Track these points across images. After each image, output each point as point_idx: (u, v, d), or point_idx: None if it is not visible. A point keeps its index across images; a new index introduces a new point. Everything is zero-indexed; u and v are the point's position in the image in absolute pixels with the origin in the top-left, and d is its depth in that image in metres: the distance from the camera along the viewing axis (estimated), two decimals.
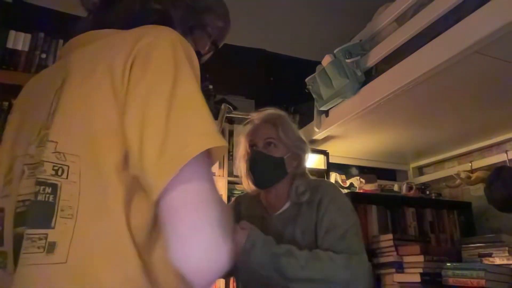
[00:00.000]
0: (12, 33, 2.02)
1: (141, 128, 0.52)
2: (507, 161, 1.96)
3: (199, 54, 0.87)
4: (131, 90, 0.55)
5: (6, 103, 1.92)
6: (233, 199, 1.44)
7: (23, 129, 0.64)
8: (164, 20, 0.69)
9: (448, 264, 1.72)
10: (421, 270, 1.73)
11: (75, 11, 1.09)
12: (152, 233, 0.54)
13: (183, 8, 0.79)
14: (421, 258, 1.75)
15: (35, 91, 0.70)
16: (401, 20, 1.67)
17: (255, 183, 1.26)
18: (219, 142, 0.54)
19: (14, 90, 2.11)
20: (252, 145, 1.27)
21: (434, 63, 1.40)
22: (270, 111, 1.33)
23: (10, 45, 1.99)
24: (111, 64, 0.56)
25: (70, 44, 0.72)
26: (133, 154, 0.52)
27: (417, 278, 1.72)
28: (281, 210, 1.25)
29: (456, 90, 1.61)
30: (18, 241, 0.53)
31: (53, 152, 0.54)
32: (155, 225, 0.54)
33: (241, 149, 1.30)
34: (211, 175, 0.56)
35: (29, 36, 2.04)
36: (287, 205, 1.25)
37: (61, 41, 2.09)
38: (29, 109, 0.66)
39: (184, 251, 0.50)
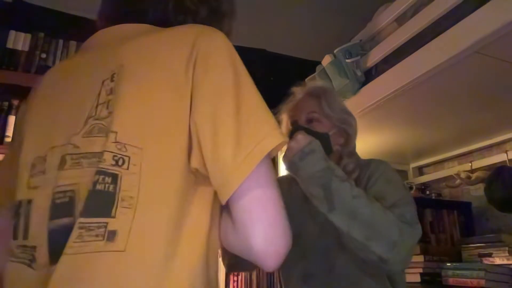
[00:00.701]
0: (12, 33, 2.02)
1: (214, 126, 0.55)
2: (507, 161, 1.95)
3: None
4: (197, 88, 0.57)
5: (6, 103, 1.92)
6: None
7: (57, 120, 0.63)
8: (199, 20, 0.75)
9: (448, 264, 1.72)
10: (421, 270, 1.73)
11: (75, 11, 1.09)
12: (212, 228, 0.58)
13: (207, 10, 0.82)
14: (421, 258, 1.75)
15: (65, 83, 0.70)
16: (401, 20, 1.67)
17: None
18: (283, 138, 0.58)
19: (14, 90, 2.13)
20: (293, 121, 1.17)
21: (434, 63, 1.40)
22: (312, 83, 1.23)
23: (10, 45, 2.00)
24: (172, 61, 0.59)
25: (107, 34, 0.75)
26: (205, 151, 0.55)
27: (417, 278, 1.72)
28: None
29: (456, 90, 1.61)
30: (57, 232, 0.53)
31: (113, 142, 0.54)
32: (212, 219, 0.58)
33: (283, 127, 1.20)
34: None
35: (29, 36, 2.04)
36: None
37: (61, 41, 2.09)
38: (62, 101, 0.66)
39: (268, 236, 0.54)
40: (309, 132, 1.06)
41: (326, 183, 0.89)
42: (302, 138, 0.95)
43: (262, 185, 0.55)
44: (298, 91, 1.21)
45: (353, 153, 1.16)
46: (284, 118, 1.19)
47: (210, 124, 0.55)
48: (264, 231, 0.53)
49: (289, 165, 0.95)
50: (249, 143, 0.54)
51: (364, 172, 1.07)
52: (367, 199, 0.91)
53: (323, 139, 1.07)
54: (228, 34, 0.74)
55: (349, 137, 1.16)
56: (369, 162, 1.12)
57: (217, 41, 0.62)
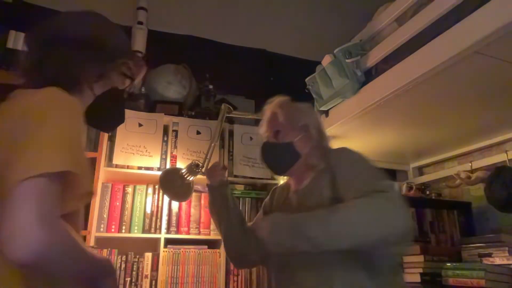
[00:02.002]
0: (12, 33, 2.02)
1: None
2: (507, 161, 1.95)
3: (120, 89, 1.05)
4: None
5: None
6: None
7: None
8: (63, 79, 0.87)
9: (448, 264, 1.72)
10: (421, 270, 1.73)
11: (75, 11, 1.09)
12: None
13: (90, 60, 0.93)
14: (421, 258, 1.75)
15: None
16: (401, 20, 1.67)
17: (273, 171, 1.36)
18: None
19: (14, 90, 2.12)
20: (266, 137, 1.31)
21: (434, 63, 1.40)
22: (273, 99, 1.34)
23: (10, 45, 2.00)
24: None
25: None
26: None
27: (417, 278, 1.72)
28: (302, 186, 1.24)
29: (456, 90, 1.60)
30: None
31: None
32: None
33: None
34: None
35: None
36: (308, 179, 1.23)
37: None
38: None
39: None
40: (274, 145, 1.26)
41: (297, 231, 0.95)
42: (261, 225, 1.06)
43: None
44: (264, 110, 1.33)
45: (321, 148, 1.25)
46: (261, 134, 1.34)
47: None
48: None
49: (274, 248, 1.03)
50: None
51: (329, 159, 1.17)
52: (332, 212, 0.97)
53: (288, 148, 1.23)
54: (130, 68, 1.06)
55: (318, 137, 1.27)
56: (332, 150, 1.24)
57: (39, 99, 0.81)
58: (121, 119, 1.11)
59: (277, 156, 1.27)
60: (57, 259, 0.66)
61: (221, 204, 1.38)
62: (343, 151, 1.19)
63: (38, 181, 0.64)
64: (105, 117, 1.05)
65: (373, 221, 0.92)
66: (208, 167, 1.50)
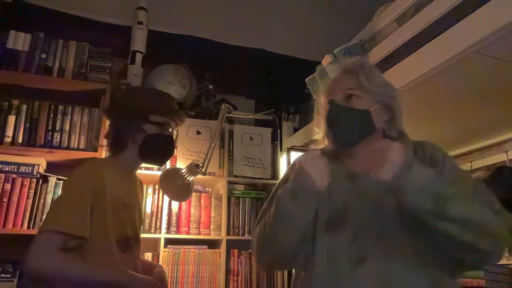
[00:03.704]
0: (12, 33, 2.02)
1: None
2: (507, 161, 1.95)
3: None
4: None
5: (6, 103, 1.92)
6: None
7: None
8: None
9: None
10: None
11: (75, 11, 1.09)
12: None
13: (132, 126, 1.38)
14: None
15: None
16: (401, 20, 1.67)
17: (337, 141, 1.05)
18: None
19: (14, 90, 2.13)
20: (330, 100, 1.06)
21: (434, 63, 1.40)
22: (349, 59, 1.16)
23: (10, 45, 2.00)
24: None
25: None
26: None
27: None
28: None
29: (456, 90, 1.60)
30: None
31: None
32: None
33: (321, 108, 1.10)
34: None
35: (29, 36, 2.04)
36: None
37: (61, 41, 2.09)
38: None
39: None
40: (347, 110, 1.01)
41: (438, 196, 0.82)
42: (399, 148, 0.86)
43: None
44: (334, 69, 1.15)
45: (402, 133, 1.07)
46: (321, 98, 1.10)
47: None
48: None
49: (392, 180, 0.84)
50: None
51: (422, 150, 1.00)
52: (472, 197, 0.87)
53: (363, 117, 1.00)
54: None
55: (394, 112, 1.06)
56: (421, 144, 1.04)
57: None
58: (167, 154, 1.48)
59: (348, 123, 1.02)
60: (52, 278, 1.13)
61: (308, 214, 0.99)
62: (437, 147, 1.05)
63: (48, 234, 1.14)
64: (153, 157, 1.44)
65: (495, 234, 0.84)
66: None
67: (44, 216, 1.80)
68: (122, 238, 1.27)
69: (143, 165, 2.06)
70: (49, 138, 1.94)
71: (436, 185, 0.83)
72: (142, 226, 1.58)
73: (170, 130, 1.46)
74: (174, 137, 1.51)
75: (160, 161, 1.52)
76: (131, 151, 1.38)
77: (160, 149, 1.42)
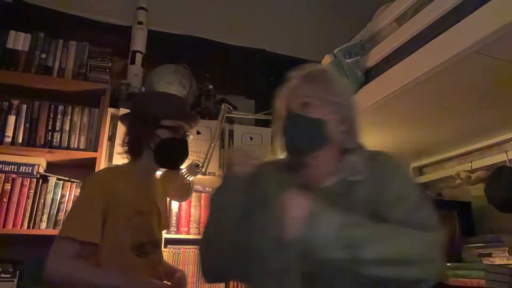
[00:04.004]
0: (12, 33, 2.02)
1: None
2: (507, 161, 1.95)
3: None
4: None
5: (6, 103, 1.92)
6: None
7: None
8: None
9: (448, 264, 1.72)
10: None
11: (75, 11, 1.09)
12: None
13: (146, 131, 1.41)
14: None
15: None
16: (401, 20, 1.67)
17: (289, 151, 1.01)
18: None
19: (14, 90, 2.13)
20: (288, 108, 1.02)
21: (434, 63, 1.40)
22: (310, 66, 1.08)
23: (10, 45, 2.00)
24: None
25: None
26: None
27: None
28: (328, 184, 0.98)
29: (456, 90, 1.60)
30: None
31: None
32: None
33: (277, 116, 1.06)
34: None
35: (29, 36, 2.04)
36: (333, 179, 0.98)
37: (61, 41, 2.09)
38: None
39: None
40: (302, 118, 0.97)
41: (347, 242, 0.78)
42: (301, 201, 0.81)
43: None
44: (293, 76, 1.07)
45: (359, 146, 1.02)
46: (279, 105, 1.06)
47: None
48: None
49: (298, 238, 0.80)
50: None
51: (373, 165, 0.96)
52: (387, 231, 0.83)
53: (318, 126, 0.96)
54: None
55: (353, 124, 1.01)
56: (377, 154, 1.00)
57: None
58: (181, 157, 1.47)
59: (302, 131, 0.97)
60: (64, 284, 1.18)
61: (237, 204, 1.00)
62: (394, 160, 1.00)
63: (61, 241, 1.21)
64: (167, 161, 1.46)
65: (420, 261, 0.82)
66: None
67: (44, 216, 1.81)
68: (136, 244, 1.30)
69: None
70: (49, 138, 1.94)
71: (344, 233, 0.79)
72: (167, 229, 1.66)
73: (184, 133, 1.47)
74: (190, 140, 1.49)
75: (175, 165, 1.52)
76: (147, 157, 1.40)
77: (173, 153, 1.43)
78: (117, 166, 1.77)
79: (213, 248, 1.00)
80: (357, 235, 0.79)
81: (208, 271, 1.04)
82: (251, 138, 2.34)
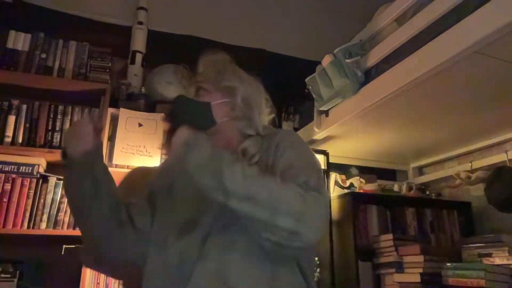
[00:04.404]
0: (12, 33, 2.02)
1: None
2: (507, 161, 1.95)
3: None
4: None
5: (6, 103, 1.92)
6: None
7: None
8: None
9: (448, 264, 1.72)
10: (421, 270, 1.73)
11: (75, 11, 1.09)
12: None
13: None
14: (421, 258, 1.75)
15: None
16: (401, 20, 1.67)
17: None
18: None
19: (14, 90, 2.13)
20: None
21: (434, 63, 1.41)
22: (213, 55, 1.11)
23: (10, 45, 2.00)
24: None
25: None
26: None
27: (417, 278, 1.72)
28: None
29: (456, 90, 1.61)
30: None
31: None
32: None
33: None
34: None
35: (29, 36, 2.04)
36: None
37: (61, 41, 2.09)
38: None
39: None
40: (185, 100, 0.99)
41: (216, 171, 0.81)
42: (182, 133, 0.88)
43: None
44: (198, 64, 1.10)
45: (254, 128, 1.03)
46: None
47: None
48: None
49: (176, 160, 0.88)
50: None
51: (269, 141, 0.98)
52: (262, 176, 0.85)
53: (204, 109, 0.98)
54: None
55: (251, 110, 1.03)
56: (275, 132, 1.02)
57: None
58: None
59: (187, 114, 0.97)
60: None
61: (92, 183, 0.94)
62: (290, 133, 1.06)
63: None
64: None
65: (294, 211, 0.80)
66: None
67: (44, 216, 1.81)
68: None
69: (143, 165, 2.06)
70: (49, 138, 1.94)
71: (215, 162, 0.82)
72: None
73: None
74: None
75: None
76: None
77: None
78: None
79: (86, 238, 1.01)
80: (225, 167, 0.81)
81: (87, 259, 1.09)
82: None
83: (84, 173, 0.93)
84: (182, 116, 0.96)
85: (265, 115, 1.08)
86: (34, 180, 1.84)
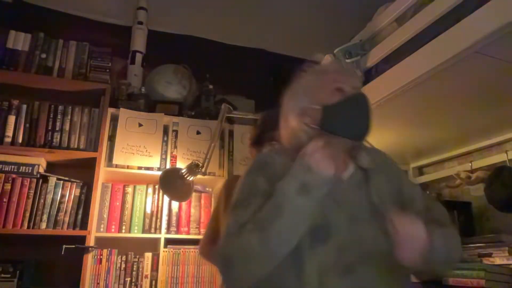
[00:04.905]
0: (12, 33, 2.03)
1: None
2: (507, 161, 1.95)
3: None
4: None
5: (6, 103, 1.92)
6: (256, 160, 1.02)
7: None
8: None
9: None
10: None
11: (75, 11, 1.09)
12: None
13: None
14: None
15: None
16: (401, 20, 1.67)
17: (360, 133, 0.97)
18: None
19: (14, 90, 2.13)
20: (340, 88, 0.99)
21: (434, 63, 1.40)
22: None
23: (10, 45, 2.00)
24: None
25: None
26: None
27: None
28: (348, 173, 0.97)
29: (456, 90, 1.60)
30: None
31: None
32: None
33: (325, 85, 1.01)
34: None
35: (29, 36, 2.04)
36: (351, 168, 0.99)
37: (61, 41, 2.09)
38: None
39: None
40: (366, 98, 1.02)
41: (447, 250, 0.91)
42: (414, 231, 0.84)
43: None
44: (344, 66, 1.16)
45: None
46: (325, 78, 1.05)
47: None
48: None
49: (412, 265, 0.84)
50: None
51: (377, 157, 1.08)
52: (447, 237, 0.95)
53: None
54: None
55: None
56: (374, 150, 1.10)
57: None
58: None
59: (369, 115, 0.99)
60: None
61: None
62: (393, 160, 1.08)
63: None
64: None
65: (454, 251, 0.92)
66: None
67: (44, 216, 1.81)
68: None
69: (143, 165, 2.07)
70: (49, 138, 1.94)
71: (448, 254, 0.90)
72: None
73: None
74: None
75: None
76: None
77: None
78: None
79: (266, 255, 0.83)
80: (450, 251, 0.91)
81: (246, 280, 0.86)
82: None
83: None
84: (366, 117, 1.00)
85: None
86: (34, 180, 1.85)
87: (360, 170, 0.98)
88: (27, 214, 1.79)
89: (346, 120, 0.95)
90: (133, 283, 1.92)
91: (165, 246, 2.02)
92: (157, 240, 2.03)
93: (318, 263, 0.85)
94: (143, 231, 2.01)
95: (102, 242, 1.93)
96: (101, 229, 1.93)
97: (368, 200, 0.92)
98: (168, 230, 2.05)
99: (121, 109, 2.08)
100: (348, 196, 0.93)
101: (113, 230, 1.96)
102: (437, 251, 0.84)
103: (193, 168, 1.85)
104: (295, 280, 0.84)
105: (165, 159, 2.13)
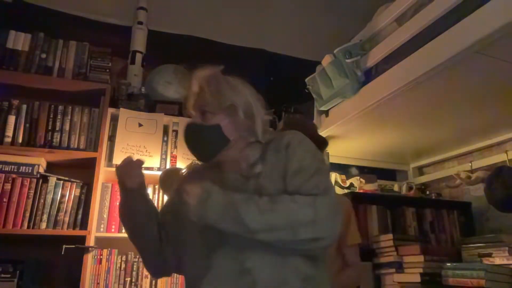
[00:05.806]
0: (12, 33, 2.02)
1: None
2: (507, 161, 1.96)
3: None
4: None
5: (6, 103, 1.92)
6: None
7: None
8: None
9: (448, 264, 1.71)
10: (421, 270, 1.73)
11: (75, 11, 1.09)
12: None
13: None
14: (421, 258, 1.75)
15: None
16: (401, 20, 1.67)
17: (197, 158, 1.17)
18: None
19: (14, 90, 2.13)
20: (190, 114, 1.14)
21: (434, 63, 1.41)
22: (197, 72, 1.16)
23: (10, 45, 2.00)
24: None
25: None
26: None
27: (417, 278, 1.72)
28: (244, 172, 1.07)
29: (456, 90, 1.61)
30: None
31: None
32: None
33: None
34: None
35: (29, 36, 2.04)
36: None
37: (61, 41, 2.09)
38: None
39: None
40: (199, 127, 1.09)
41: (234, 215, 0.91)
42: (191, 189, 0.95)
43: None
44: (192, 83, 1.15)
45: (254, 135, 1.09)
46: (190, 114, 1.16)
47: None
48: None
49: (195, 213, 0.94)
50: None
51: (279, 146, 1.04)
52: (273, 202, 0.93)
53: (215, 131, 1.06)
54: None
55: (252, 118, 1.09)
56: (283, 134, 1.09)
57: None
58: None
59: (202, 139, 1.10)
60: None
61: (140, 209, 1.12)
62: (297, 135, 1.07)
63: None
64: None
65: (310, 222, 0.90)
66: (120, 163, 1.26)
67: (44, 216, 1.81)
68: None
69: (143, 165, 2.06)
70: (49, 138, 1.94)
71: (230, 209, 0.92)
72: None
73: None
74: None
75: None
76: None
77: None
78: None
79: (141, 252, 1.16)
80: (241, 210, 0.90)
81: (150, 269, 1.21)
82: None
83: (140, 199, 1.13)
84: (196, 142, 1.11)
85: (264, 116, 1.14)
86: (34, 180, 1.84)
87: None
88: (27, 214, 1.79)
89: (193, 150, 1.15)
90: (133, 283, 1.92)
91: None
92: None
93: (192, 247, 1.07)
94: None
95: (102, 242, 1.93)
96: (101, 229, 1.93)
97: (257, 184, 1.01)
98: None
99: (121, 109, 2.08)
100: (236, 184, 1.03)
101: (113, 230, 1.96)
102: (214, 203, 0.92)
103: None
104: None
105: (165, 159, 2.13)
